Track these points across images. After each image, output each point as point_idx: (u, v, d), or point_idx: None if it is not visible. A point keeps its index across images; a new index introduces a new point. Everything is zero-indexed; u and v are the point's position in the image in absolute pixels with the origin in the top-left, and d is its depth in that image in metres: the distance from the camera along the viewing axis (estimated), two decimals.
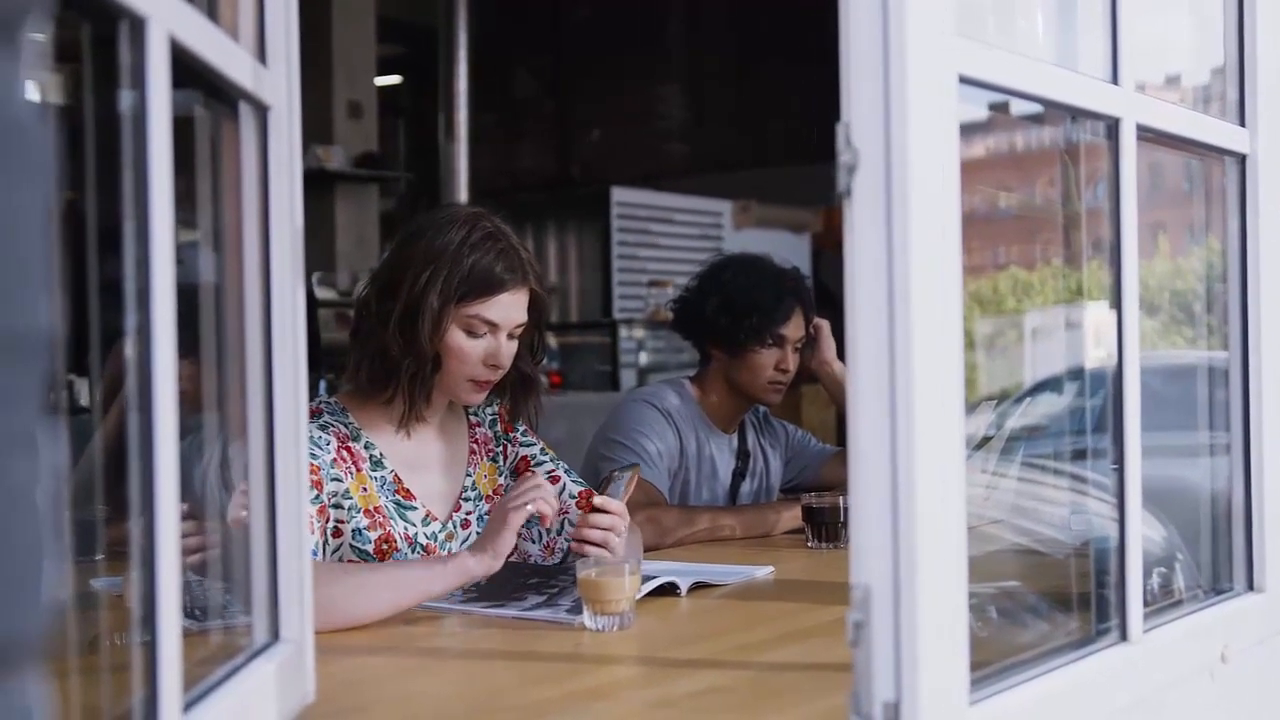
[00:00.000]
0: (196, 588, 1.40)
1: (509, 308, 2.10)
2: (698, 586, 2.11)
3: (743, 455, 3.06)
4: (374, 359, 2.10)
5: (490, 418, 2.31)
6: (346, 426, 2.13)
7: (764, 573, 2.28)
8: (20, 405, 0.52)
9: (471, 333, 2.09)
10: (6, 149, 0.51)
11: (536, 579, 2.07)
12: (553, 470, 2.29)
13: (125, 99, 0.96)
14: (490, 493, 2.27)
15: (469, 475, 2.24)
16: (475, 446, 2.28)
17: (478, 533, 2.19)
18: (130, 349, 0.96)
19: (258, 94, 1.26)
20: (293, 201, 1.32)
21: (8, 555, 0.51)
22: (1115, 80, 1.46)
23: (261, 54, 1.29)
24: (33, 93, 0.55)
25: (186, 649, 1.00)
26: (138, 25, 0.95)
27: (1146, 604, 1.49)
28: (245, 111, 1.27)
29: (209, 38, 1.10)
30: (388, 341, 2.07)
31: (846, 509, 2.58)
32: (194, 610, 1.30)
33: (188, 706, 1.03)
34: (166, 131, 0.97)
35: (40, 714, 0.56)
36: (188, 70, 1.06)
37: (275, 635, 1.31)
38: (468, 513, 2.22)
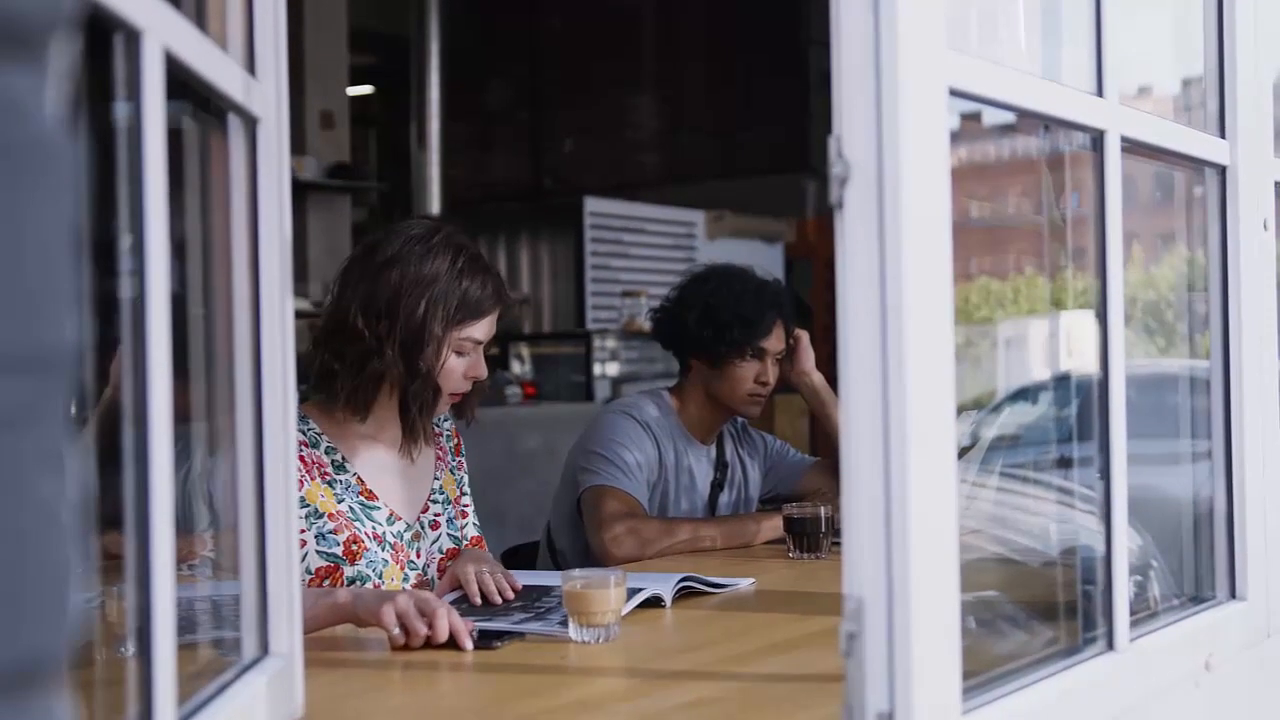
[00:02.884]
0: (182, 600, 1.39)
1: (491, 325, 2.23)
2: (684, 592, 2.11)
3: (721, 466, 3.05)
4: (369, 381, 2.14)
5: (446, 432, 2.38)
6: (305, 433, 2.16)
7: (746, 584, 2.28)
8: (49, 422, 0.51)
9: (460, 352, 2.19)
10: (34, 165, 0.51)
11: (521, 600, 2.07)
12: (468, 505, 2.38)
13: (119, 110, 0.96)
14: (453, 499, 2.34)
15: (436, 479, 2.32)
16: (440, 454, 2.35)
17: (447, 534, 2.28)
18: (123, 361, 0.96)
19: (247, 106, 1.25)
20: (281, 213, 1.32)
21: (39, 573, 0.50)
22: (1100, 93, 1.47)
23: (251, 66, 1.28)
24: (57, 108, 0.55)
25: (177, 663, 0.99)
26: (133, 38, 0.94)
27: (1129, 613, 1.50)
28: (234, 123, 1.27)
29: (202, 50, 1.10)
30: (386, 367, 2.12)
31: (827, 519, 2.59)
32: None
33: None
34: (161, 143, 0.97)
35: None
36: (178, 81, 1.05)
37: (265, 649, 1.30)
38: (436, 514, 2.29)
